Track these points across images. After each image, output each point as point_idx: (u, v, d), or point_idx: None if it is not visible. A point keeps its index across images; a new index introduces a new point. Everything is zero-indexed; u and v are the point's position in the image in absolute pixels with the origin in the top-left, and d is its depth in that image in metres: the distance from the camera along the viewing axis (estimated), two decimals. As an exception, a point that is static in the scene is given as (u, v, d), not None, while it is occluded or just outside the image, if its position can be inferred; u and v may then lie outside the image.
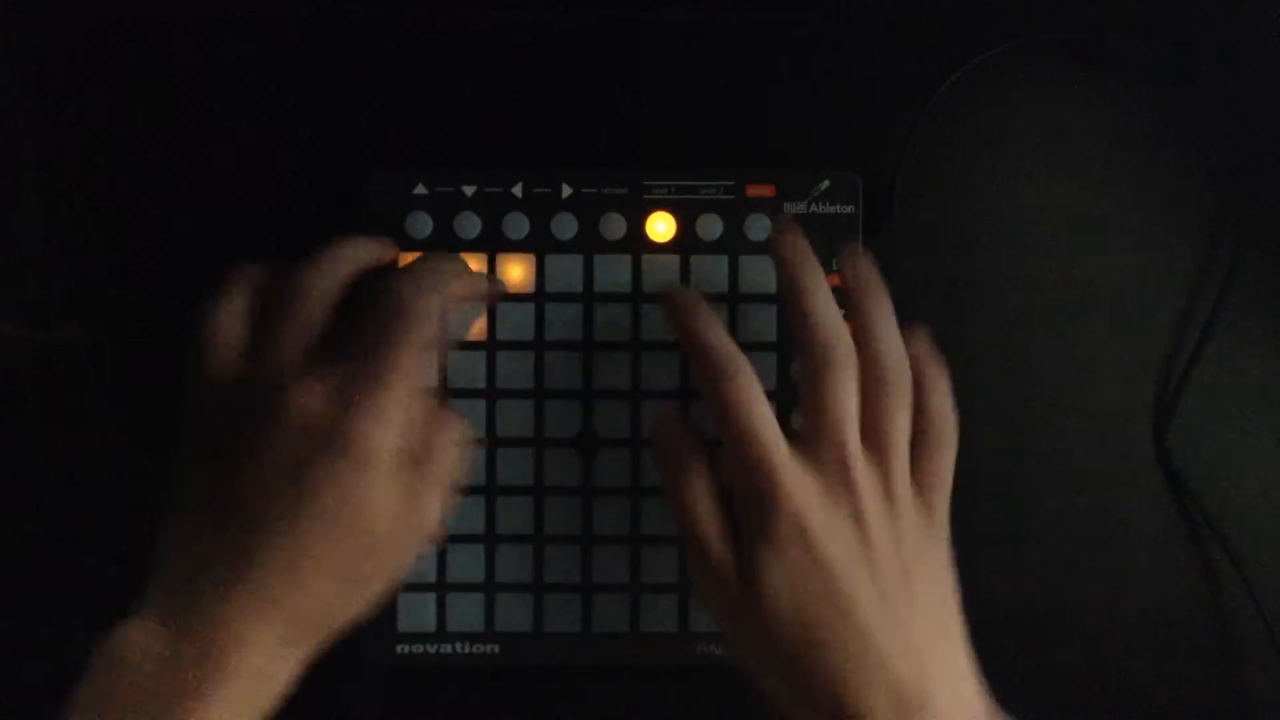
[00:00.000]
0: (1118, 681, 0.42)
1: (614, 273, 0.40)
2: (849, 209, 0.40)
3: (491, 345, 0.40)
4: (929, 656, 0.33)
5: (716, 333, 0.35)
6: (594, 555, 0.40)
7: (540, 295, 0.40)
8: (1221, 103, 0.43)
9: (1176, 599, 0.42)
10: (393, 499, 0.34)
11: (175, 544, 0.34)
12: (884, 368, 0.35)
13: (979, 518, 0.42)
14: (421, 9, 0.42)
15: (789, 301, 0.35)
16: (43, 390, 0.42)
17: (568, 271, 0.40)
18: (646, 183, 0.40)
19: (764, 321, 0.40)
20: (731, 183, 0.40)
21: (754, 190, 0.40)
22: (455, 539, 0.40)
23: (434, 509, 0.35)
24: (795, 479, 0.33)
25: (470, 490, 0.40)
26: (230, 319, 0.35)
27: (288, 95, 0.42)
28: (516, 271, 0.40)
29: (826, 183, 0.40)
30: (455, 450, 0.36)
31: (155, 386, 0.42)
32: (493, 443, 0.40)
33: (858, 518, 0.33)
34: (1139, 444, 0.42)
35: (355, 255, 0.37)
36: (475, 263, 0.40)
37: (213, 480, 0.34)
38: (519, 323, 0.40)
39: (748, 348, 0.40)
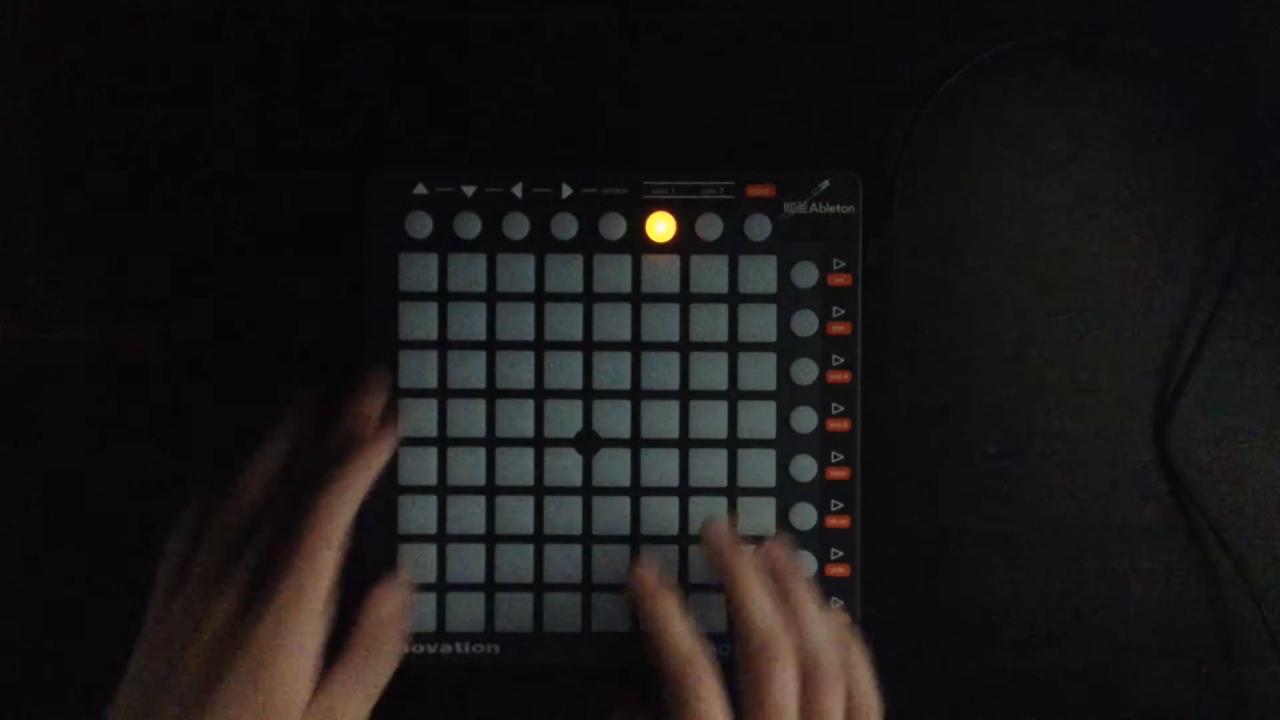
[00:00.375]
0: (1118, 681, 0.42)
1: (614, 273, 0.40)
2: (849, 209, 0.40)
3: (491, 345, 0.40)
4: None
5: (683, 630, 0.37)
6: (594, 555, 0.40)
7: (540, 295, 0.40)
8: (1221, 103, 0.43)
9: (1176, 599, 0.42)
10: (303, 706, 0.34)
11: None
12: (818, 654, 0.36)
13: (979, 518, 0.42)
14: (421, 9, 0.42)
15: (727, 595, 0.37)
16: (43, 390, 0.42)
17: (568, 271, 0.40)
18: (646, 183, 0.40)
19: (764, 322, 0.40)
20: (731, 183, 0.40)
21: (754, 190, 0.40)
22: (455, 539, 0.40)
23: (349, 712, 0.36)
24: None
25: (470, 490, 0.40)
26: (177, 540, 0.38)
27: (288, 95, 0.42)
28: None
29: (826, 183, 0.40)
30: (380, 665, 0.37)
31: (155, 386, 0.42)
32: (493, 443, 0.40)
33: None
34: (1139, 444, 0.42)
35: (277, 458, 0.39)
36: (475, 263, 0.40)
37: (146, 677, 0.35)
38: (519, 323, 0.40)
39: (748, 348, 0.40)
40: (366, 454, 0.38)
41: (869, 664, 0.38)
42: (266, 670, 0.34)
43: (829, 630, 0.37)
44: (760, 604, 0.37)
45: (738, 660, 0.36)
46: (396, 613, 0.38)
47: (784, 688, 0.35)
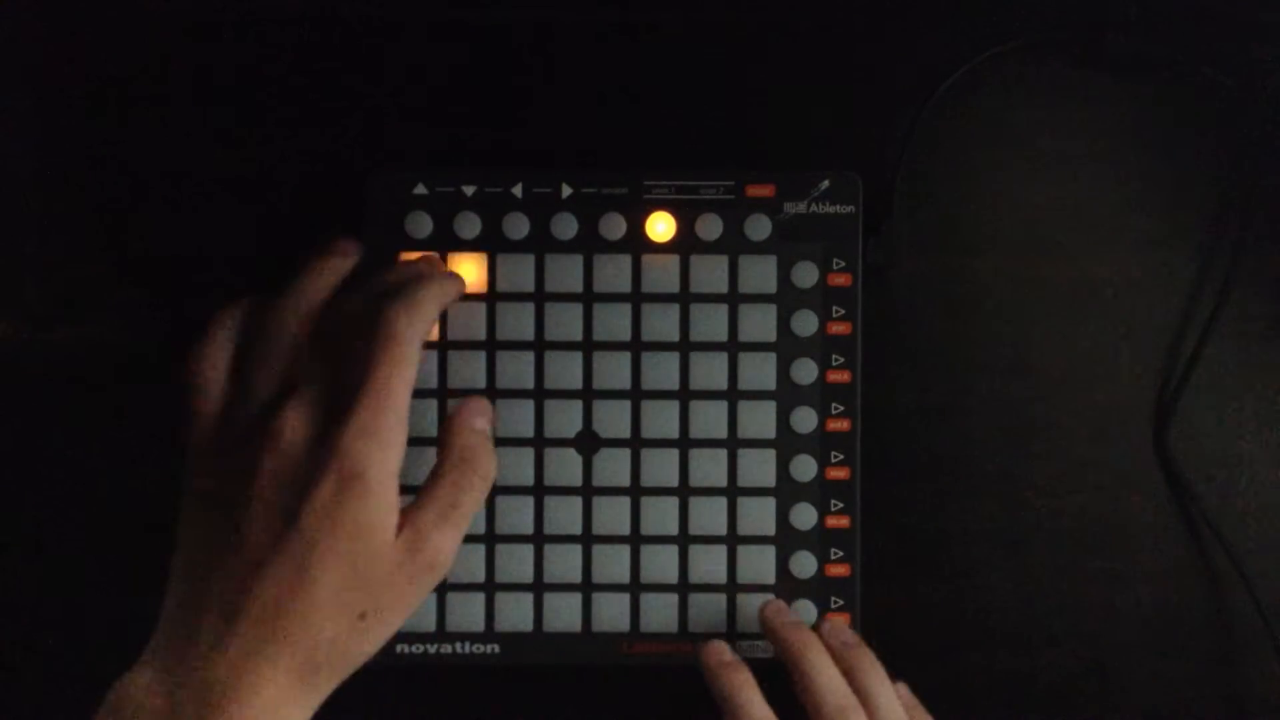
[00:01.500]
0: (1118, 681, 0.42)
1: (614, 273, 0.40)
2: (849, 209, 0.40)
3: (491, 345, 0.40)
4: None
5: (749, 695, 0.37)
6: (594, 555, 0.40)
7: (540, 295, 0.40)
8: (1221, 103, 0.42)
9: (1176, 599, 0.42)
10: (395, 528, 0.33)
11: (177, 589, 0.33)
12: (829, 713, 0.36)
13: (979, 518, 0.42)
14: (422, 9, 0.42)
15: (793, 673, 0.37)
16: (43, 390, 0.42)
17: (568, 271, 0.40)
18: (646, 183, 0.40)
19: (764, 322, 0.40)
20: (731, 183, 0.40)
21: (754, 190, 0.40)
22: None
23: (444, 544, 0.33)
24: None
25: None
26: (211, 362, 0.35)
27: (288, 95, 0.42)
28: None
29: (826, 183, 0.40)
30: (473, 488, 0.35)
31: (155, 387, 0.42)
32: (493, 442, 0.40)
33: None
34: (1139, 444, 0.42)
35: (326, 279, 0.37)
36: (475, 263, 0.40)
37: (210, 522, 0.33)
38: (519, 323, 0.40)
39: (748, 348, 0.40)
40: (443, 276, 0.37)
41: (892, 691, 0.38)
42: (359, 481, 0.31)
43: (898, 703, 0.37)
44: (831, 677, 0.37)
45: None
46: (486, 432, 0.36)
47: None
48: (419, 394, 0.40)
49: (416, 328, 0.34)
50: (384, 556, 0.32)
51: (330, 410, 0.33)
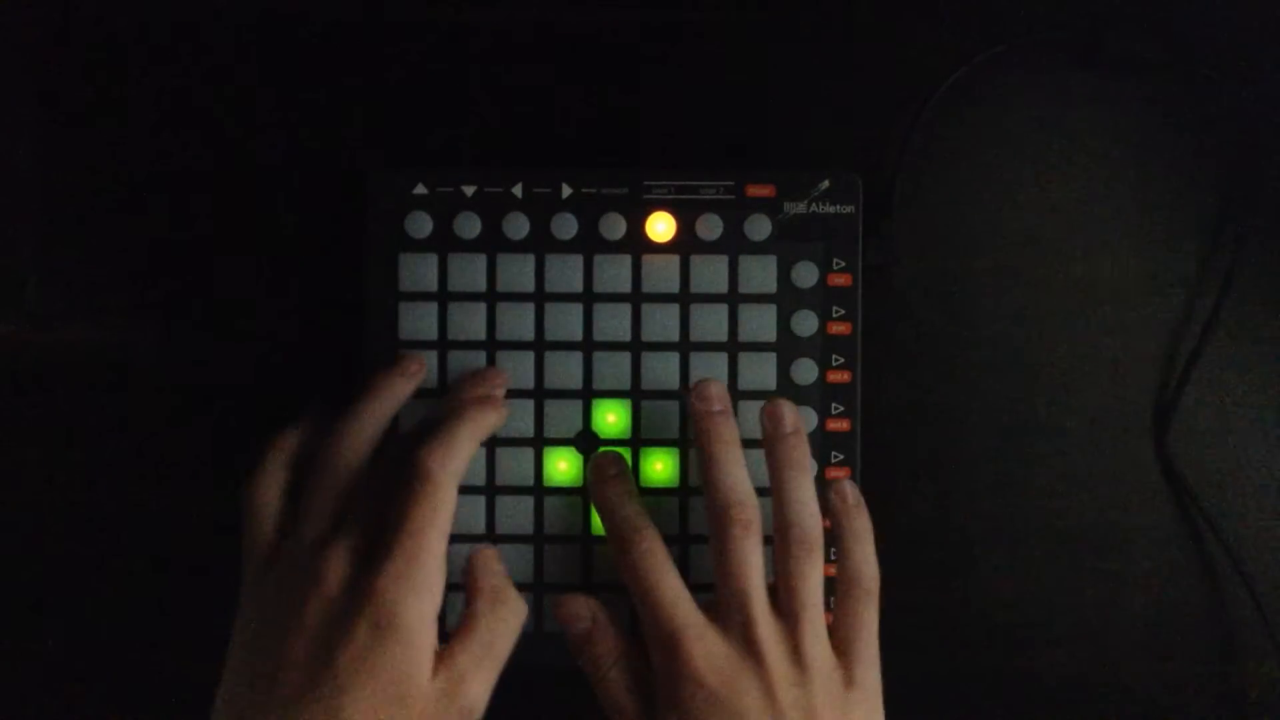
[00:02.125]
0: (1118, 681, 0.42)
1: (614, 273, 0.40)
2: (849, 209, 0.40)
3: (491, 345, 0.40)
4: None
5: (625, 502, 0.37)
6: (594, 555, 0.40)
7: (540, 295, 0.40)
8: (1221, 103, 0.42)
9: (1176, 599, 0.42)
10: (431, 673, 0.32)
11: (220, 717, 0.33)
12: (792, 526, 0.36)
13: (979, 518, 0.42)
14: (422, 9, 0.42)
15: (701, 463, 0.37)
16: (43, 390, 0.42)
17: (568, 271, 0.40)
18: (646, 183, 0.40)
19: (764, 322, 0.40)
20: (731, 183, 0.40)
21: (754, 190, 0.40)
22: (456, 539, 0.40)
23: (478, 688, 0.33)
24: (701, 645, 0.34)
25: (470, 490, 0.40)
26: (266, 488, 0.36)
27: (288, 95, 0.42)
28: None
29: (826, 183, 0.40)
30: (508, 627, 0.35)
31: (155, 386, 0.42)
32: (493, 443, 0.40)
33: (765, 685, 0.34)
34: (1139, 444, 0.42)
35: (386, 405, 0.37)
36: (475, 263, 0.40)
37: (254, 651, 0.33)
38: (519, 323, 0.40)
39: (748, 348, 0.40)
40: (484, 406, 0.37)
41: (870, 539, 0.37)
42: (392, 628, 0.32)
43: (812, 503, 0.36)
44: (727, 470, 0.36)
45: (709, 543, 0.36)
46: (505, 576, 0.37)
47: (743, 564, 0.35)
48: (420, 395, 0.40)
49: (449, 469, 0.35)
50: (418, 701, 0.32)
51: (370, 553, 0.33)
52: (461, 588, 0.37)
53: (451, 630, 0.35)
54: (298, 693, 0.31)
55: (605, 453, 0.39)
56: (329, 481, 0.36)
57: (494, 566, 0.37)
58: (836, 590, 0.37)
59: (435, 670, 0.33)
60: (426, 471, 0.34)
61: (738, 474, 0.36)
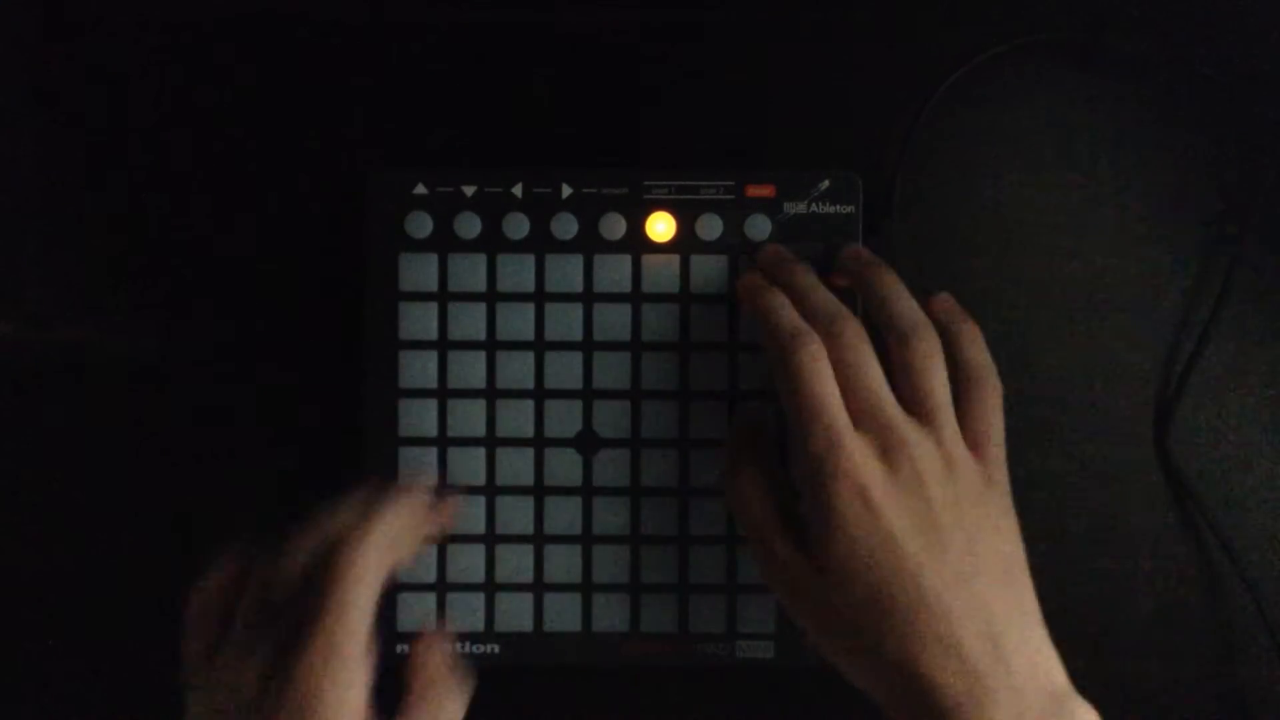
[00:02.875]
0: (1118, 681, 0.42)
1: (614, 273, 0.40)
2: (849, 209, 0.40)
3: (491, 345, 0.40)
4: (1001, 625, 0.32)
5: (786, 308, 0.36)
6: (594, 555, 0.40)
7: (540, 295, 0.40)
8: (1221, 102, 0.42)
9: (1176, 599, 0.42)
10: None
11: None
12: (903, 329, 0.35)
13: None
14: (422, 9, 0.42)
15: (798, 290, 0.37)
16: (43, 390, 0.42)
17: (568, 271, 0.40)
18: (646, 183, 0.40)
19: (764, 321, 0.40)
20: (731, 183, 0.40)
21: (754, 190, 0.40)
22: (455, 539, 0.40)
23: None
24: (854, 444, 0.33)
25: (470, 490, 0.40)
26: (201, 607, 0.35)
27: (288, 95, 0.42)
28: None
29: (826, 183, 0.40)
30: (449, 708, 0.35)
31: (155, 387, 0.42)
32: (493, 443, 0.40)
33: (917, 480, 0.33)
34: (1139, 444, 0.42)
35: (324, 536, 0.35)
36: (475, 263, 0.40)
37: None
38: (519, 323, 0.40)
39: (749, 348, 0.40)
40: (400, 502, 0.35)
41: (980, 338, 0.37)
42: (312, 715, 0.31)
43: (915, 307, 0.36)
44: (820, 294, 0.37)
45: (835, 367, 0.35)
46: (447, 663, 0.36)
47: (864, 372, 0.34)
48: (420, 395, 0.40)
49: (370, 546, 0.33)
50: None
51: (282, 652, 0.32)
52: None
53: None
54: None
55: (754, 271, 0.39)
56: (258, 592, 0.34)
57: (434, 658, 0.36)
58: (961, 391, 0.36)
59: None
60: (344, 549, 0.33)
61: (827, 294, 0.37)
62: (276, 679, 0.32)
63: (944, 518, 0.33)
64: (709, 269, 0.40)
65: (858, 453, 0.33)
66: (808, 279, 0.38)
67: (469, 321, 0.40)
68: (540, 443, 0.40)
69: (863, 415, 0.34)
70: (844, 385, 0.34)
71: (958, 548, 0.33)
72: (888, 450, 0.33)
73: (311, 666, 0.31)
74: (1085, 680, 0.43)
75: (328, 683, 0.31)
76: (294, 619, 0.33)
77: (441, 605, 0.40)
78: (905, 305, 0.36)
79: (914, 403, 0.35)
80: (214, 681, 0.33)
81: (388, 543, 0.34)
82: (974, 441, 0.35)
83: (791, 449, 0.35)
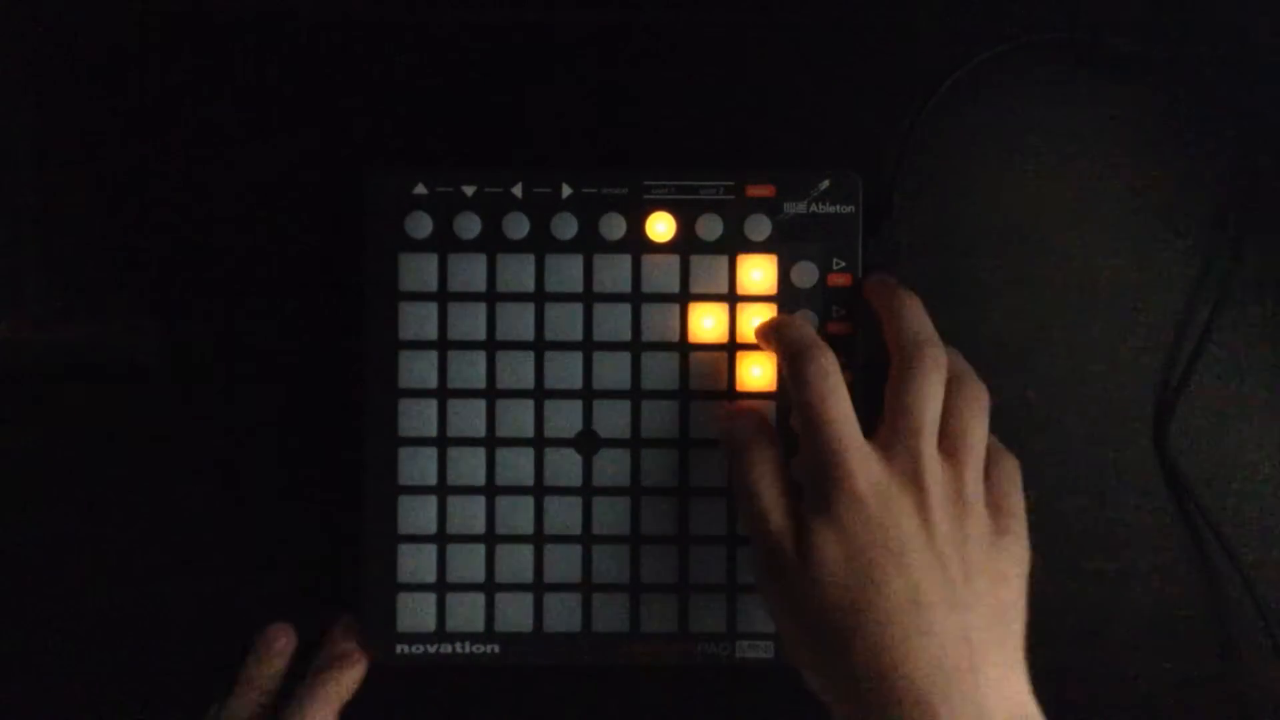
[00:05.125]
0: (1118, 681, 0.42)
1: (614, 273, 0.40)
2: (849, 209, 0.40)
3: (491, 345, 0.40)
4: (982, 656, 0.32)
5: (802, 324, 0.38)
6: (594, 555, 0.40)
7: (540, 295, 0.40)
8: (1221, 102, 0.42)
9: (1176, 599, 0.42)
10: None
11: None
12: (964, 375, 0.37)
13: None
14: (421, 9, 0.42)
15: (883, 322, 0.38)
16: (43, 390, 0.42)
17: (568, 271, 0.40)
18: (646, 183, 0.40)
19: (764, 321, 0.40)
20: (731, 183, 0.40)
21: (754, 190, 0.40)
22: (455, 539, 0.40)
23: None
24: (866, 466, 0.34)
25: (470, 490, 0.40)
26: None
27: (288, 95, 0.42)
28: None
29: (826, 183, 0.40)
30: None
31: (155, 386, 0.42)
32: (493, 443, 0.40)
33: (922, 508, 0.34)
34: (1139, 444, 0.42)
35: (253, 698, 0.39)
36: (475, 263, 0.40)
37: None
38: (519, 323, 0.40)
39: (747, 348, 0.40)
40: (340, 667, 0.39)
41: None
42: None
43: (968, 365, 0.38)
44: (915, 317, 0.37)
45: (889, 380, 0.36)
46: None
47: (924, 405, 0.35)
48: (420, 395, 0.40)
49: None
50: None
51: None
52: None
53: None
54: None
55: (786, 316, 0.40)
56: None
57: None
58: (989, 454, 0.37)
59: None
60: None
61: (923, 319, 0.37)
62: None
63: (946, 548, 0.33)
64: (709, 269, 0.40)
65: (863, 471, 0.34)
66: (905, 298, 0.38)
67: (469, 321, 0.40)
68: (540, 443, 0.40)
69: (897, 438, 0.35)
70: (898, 405, 0.35)
71: (955, 578, 0.33)
72: (903, 475, 0.34)
73: None
74: (1085, 680, 0.43)
75: None
76: None
77: (441, 605, 0.40)
78: (957, 359, 0.38)
79: (949, 440, 0.35)
80: None
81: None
82: (997, 493, 0.36)
83: (801, 448, 0.36)
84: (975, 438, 0.36)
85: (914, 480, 0.34)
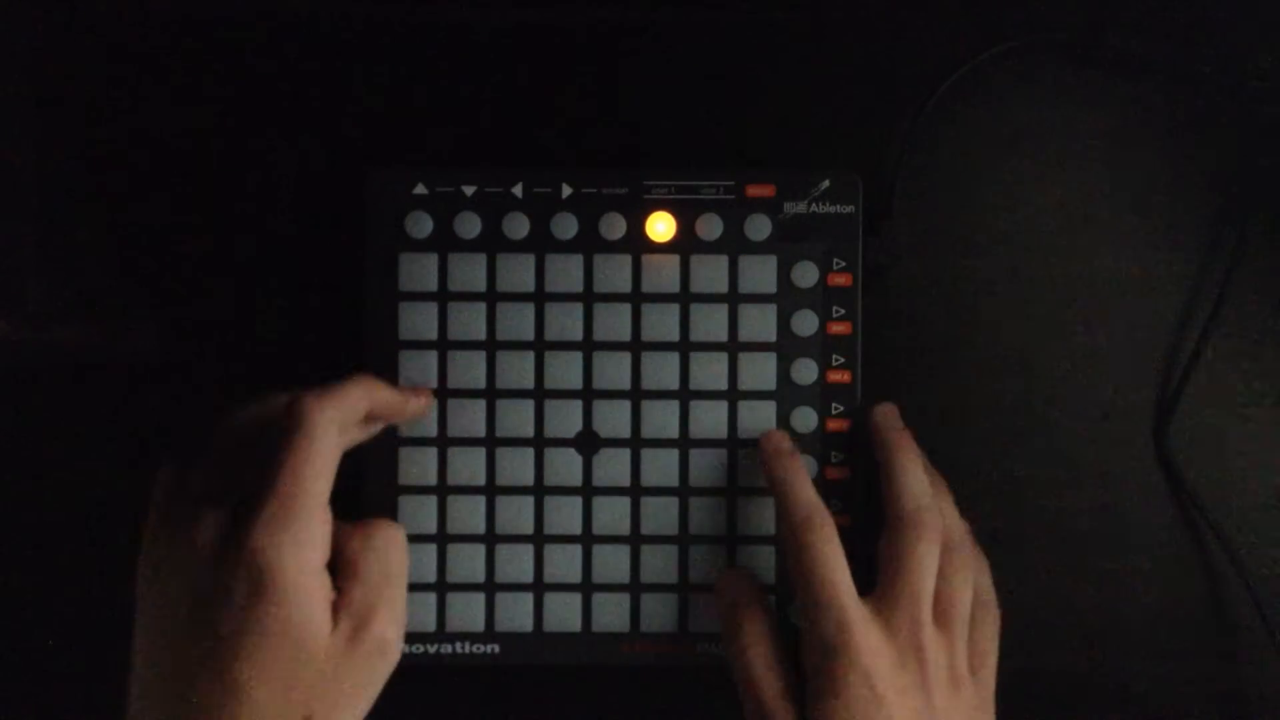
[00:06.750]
0: (1118, 681, 0.42)
1: (614, 273, 0.40)
2: (849, 209, 0.40)
3: (491, 345, 0.40)
4: None
5: (804, 484, 0.37)
6: (594, 555, 0.40)
7: (540, 295, 0.40)
8: (1222, 103, 0.42)
9: (1176, 599, 0.42)
10: (327, 623, 0.31)
11: (131, 709, 0.32)
12: (956, 540, 0.37)
13: (979, 518, 0.42)
14: (421, 9, 0.42)
15: (883, 474, 0.38)
16: (43, 390, 0.42)
17: (568, 271, 0.40)
18: (646, 183, 0.40)
19: (764, 322, 0.40)
20: (731, 183, 0.40)
21: (754, 190, 0.40)
22: (455, 539, 0.40)
23: (385, 625, 0.32)
24: (869, 641, 0.34)
25: (470, 490, 0.40)
26: (164, 482, 0.34)
27: (288, 95, 0.42)
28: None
29: (826, 183, 0.40)
30: (395, 552, 0.33)
31: (155, 387, 0.42)
32: (493, 443, 0.40)
33: (925, 686, 0.34)
34: (1139, 444, 0.42)
35: (284, 401, 0.34)
36: (475, 263, 0.40)
37: (151, 643, 0.32)
38: (519, 323, 0.40)
39: (748, 349, 0.40)
40: (362, 377, 0.35)
41: (989, 569, 0.39)
42: (272, 584, 0.30)
43: (965, 526, 0.38)
44: (918, 478, 0.37)
45: (886, 529, 0.37)
46: (394, 542, 0.34)
47: (924, 573, 0.35)
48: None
49: (329, 414, 0.32)
50: (320, 654, 0.31)
51: (239, 509, 0.31)
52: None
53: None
54: (192, 667, 0.30)
55: (777, 430, 0.40)
56: (216, 454, 0.34)
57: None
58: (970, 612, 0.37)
59: (335, 619, 0.31)
60: (301, 414, 0.32)
61: (923, 481, 0.37)
62: (235, 536, 0.31)
63: None
64: (709, 269, 0.40)
65: (870, 649, 0.34)
66: (910, 456, 0.38)
67: (469, 321, 0.40)
68: (540, 443, 0.40)
69: (898, 606, 0.35)
70: (897, 570, 0.35)
71: None
72: (905, 648, 0.35)
73: (269, 531, 0.30)
74: (1085, 680, 0.43)
75: (289, 549, 0.30)
76: (252, 478, 0.32)
77: (441, 605, 0.40)
78: (956, 521, 0.38)
79: (942, 610, 0.36)
80: (173, 540, 0.32)
81: (348, 405, 0.34)
82: (975, 664, 0.36)
83: (802, 621, 0.36)
84: (965, 607, 0.36)
85: (915, 654, 0.35)
